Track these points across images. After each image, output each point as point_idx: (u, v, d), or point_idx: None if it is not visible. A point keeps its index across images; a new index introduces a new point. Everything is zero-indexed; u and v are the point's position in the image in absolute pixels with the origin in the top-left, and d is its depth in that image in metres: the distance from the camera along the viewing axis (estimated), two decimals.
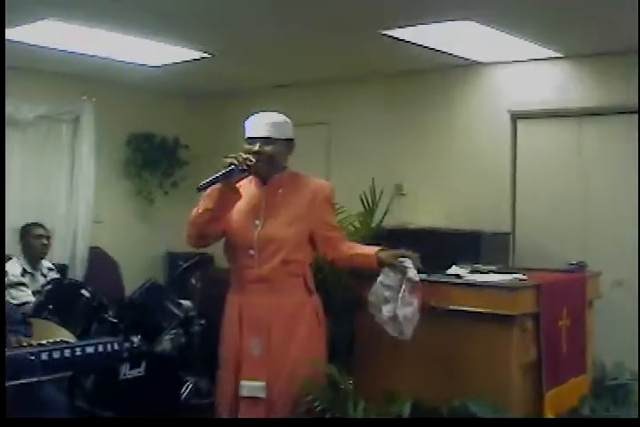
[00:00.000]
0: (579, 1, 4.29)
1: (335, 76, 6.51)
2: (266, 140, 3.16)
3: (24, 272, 5.11)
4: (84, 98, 6.63)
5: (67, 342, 3.44)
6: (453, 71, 6.05)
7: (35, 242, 5.29)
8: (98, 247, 6.71)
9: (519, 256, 5.72)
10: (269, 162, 3.18)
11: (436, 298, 3.88)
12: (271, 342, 3.14)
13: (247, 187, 3.27)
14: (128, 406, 4.04)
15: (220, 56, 5.76)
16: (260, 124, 3.20)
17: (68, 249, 6.62)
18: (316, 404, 3.18)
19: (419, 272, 3.38)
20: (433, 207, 6.07)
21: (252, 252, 3.16)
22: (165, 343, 4.61)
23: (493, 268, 4.24)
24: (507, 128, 5.90)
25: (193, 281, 5.58)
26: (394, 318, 3.21)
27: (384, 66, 6.10)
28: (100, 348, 3.46)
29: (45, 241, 5.35)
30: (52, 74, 6.39)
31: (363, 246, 3.39)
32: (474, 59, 5.77)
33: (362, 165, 6.39)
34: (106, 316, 4.49)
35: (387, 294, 3.23)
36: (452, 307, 3.79)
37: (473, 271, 4.08)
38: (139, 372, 4.34)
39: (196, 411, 4.57)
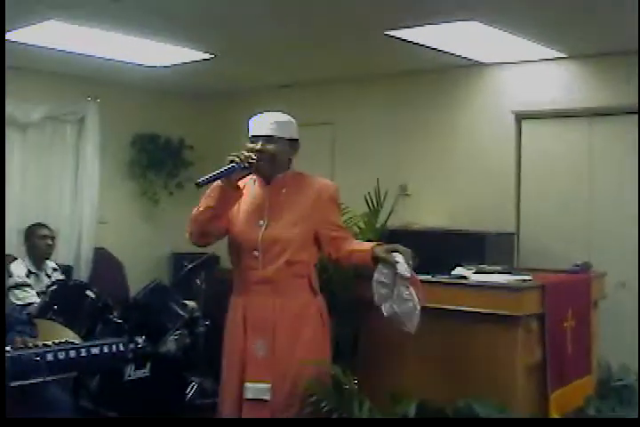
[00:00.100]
0: (582, 1, 4.29)
1: (339, 77, 6.51)
2: (268, 138, 3.15)
3: (29, 273, 5.12)
4: (89, 99, 6.65)
5: (72, 343, 3.45)
6: (457, 71, 6.04)
7: (39, 242, 5.29)
8: (103, 248, 6.72)
9: (524, 257, 5.72)
10: (272, 161, 3.17)
11: (442, 299, 3.88)
12: (276, 344, 3.12)
13: (251, 187, 3.26)
14: (133, 407, 4.05)
15: (224, 57, 5.76)
16: (264, 122, 3.19)
17: (73, 250, 6.63)
18: (323, 404, 3.18)
19: (420, 270, 3.35)
20: (437, 208, 6.07)
21: (256, 253, 3.15)
22: (170, 344, 4.60)
23: (498, 268, 4.24)
24: (511, 128, 5.90)
25: (198, 282, 5.58)
26: (395, 315, 3.16)
27: (388, 66, 6.10)
28: (105, 349, 3.46)
29: (50, 242, 5.36)
30: (56, 75, 6.40)
31: (363, 243, 3.35)
32: (477, 59, 5.77)
33: (366, 165, 6.39)
34: (111, 317, 4.49)
35: (383, 291, 3.16)
36: (457, 308, 3.79)
37: (478, 272, 4.08)
38: (144, 373, 4.34)
39: (201, 411, 4.56)
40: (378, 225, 5.36)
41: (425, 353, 3.86)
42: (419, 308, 3.15)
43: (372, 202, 5.38)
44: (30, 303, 4.79)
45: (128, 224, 7.15)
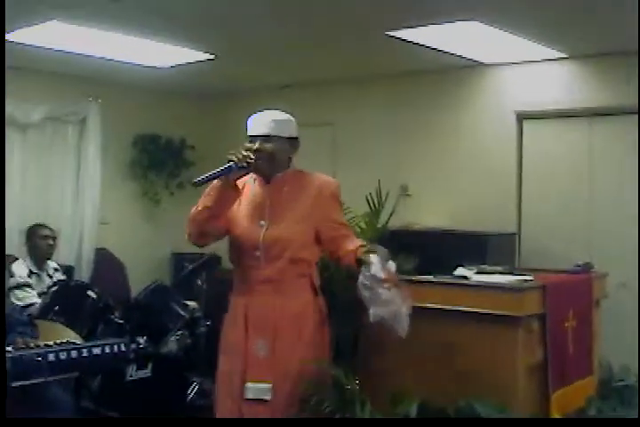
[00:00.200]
0: (582, 1, 4.29)
1: (339, 77, 6.51)
2: (266, 138, 3.12)
3: (30, 273, 5.12)
4: (90, 99, 6.65)
5: (73, 343, 3.46)
6: (458, 72, 6.04)
7: (41, 243, 5.30)
8: (104, 248, 6.72)
9: (525, 257, 5.72)
10: (270, 160, 3.14)
11: (443, 299, 3.88)
12: (277, 344, 3.10)
13: (251, 186, 3.23)
14: (134, 407, 4.05)
15: (225, 57, 5.76)
16: (262, 121, 3.16)
17: (74, 250, 6.63)
18: (325, 405, 3.17)
19: (421, 270, 3.32)
20: (438, 208, 6.07)
21: (257, 253, 3.12)
22: (171, 344, 4.61)
23: (499, 269, 4.24)
24: (512, 129, 5.90)
25: (199, 282, 5.58)
26: (382, 319, 3.04)
27: (388, 66, 6.10)
28: (107, 349, 3.47)
29: (51, 242, 5.37)
30: (57, 75, 6.40)
31: (356, 243, 3.19)
32: (478, 59, 5.77)
33: (367, 165, 6.39)
34: (112, 317, 4.50)
35: (366, 294, 3.02)
36: (458, 308, 3.79)
37: (479, 272, 4.08)
38: (145, 373, 4.35)
39: (202, 412, 4.56)
40: (379, 225, 5.36)
41: (426, 353, 3.86)
42: (404, 310, 3.02)
43: (373, 202, 5.38)
44: (31, 304, 4.80)
45: (129, 224, 7.15)
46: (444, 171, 6.15)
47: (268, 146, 3.11)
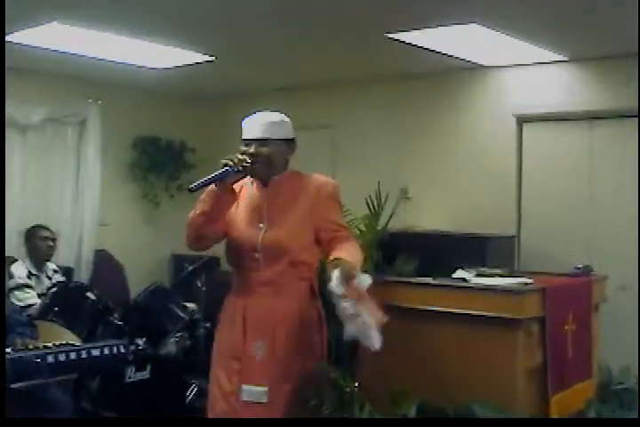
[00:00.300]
0: (582, 4, 4.29)
1: (340, 79, 6.52)
2: (262, 141, 3.08)
3: (30, 275, 5.12)
4: (90, 100, 6.65)
5: (72, 345, 3.45)
6: (458, 74, 6.05)
7: (40, 244, 5.30)
8: (103, 250, 6.72)
9: (525, 260, 5.72)
10: (267, 163, 3.10)
11: (442, 302, 3.88)
12: (275, 346, 3.08)
13: (249, 188, 3.21)
14: (133, 409, 4.04)
15: (225, 59, 5.77)
16: (256, 124, 3.12)
17: (74, 252, 6.64)
18: (323, 408, 3.16)
19: (421, 273, 3.30)
20: (438, 210, 6.07)
21: (256, 255, 3.09)
22: (171, 346, 4.61)
23: (499, 271, 4.24)
24: (512, 131, 5.91)
25: (198, 284, 5.58)
26: (354, 335, 2.94)
27: (389, 69, 6.11)
28: (106, 350, 3.47)
29: (51, 243, 5.37)
30: (57, 76, 6.41)
31: (343, 250, 3.08)
32: (479, 62, 5.77)
33: (367, 168, 6.40)
34: (111, 318, 4.49)
35: (337, 311, 2.94)
36: (457, 310, 3.79)
37: (479, 275, 4.08)
38: (144, 374, 4.34)
39: (201, 413, 4.56)
40: (379, 228, 5.37)
41: (425, 356, 3.86)
42: (370, 322, 2.91)
43: (372, 205, 5.39)
44: (31, 305, 4.80)
45: (129, 226, 7.15)
46: (444, 173, 6.16)
47: (265, 149, 3.08)
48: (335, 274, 2.85)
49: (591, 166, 5.60)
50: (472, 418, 3.35)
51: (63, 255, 6.34)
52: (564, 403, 3.92)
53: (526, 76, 5.84)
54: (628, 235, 5.32)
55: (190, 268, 5.62)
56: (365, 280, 2.97)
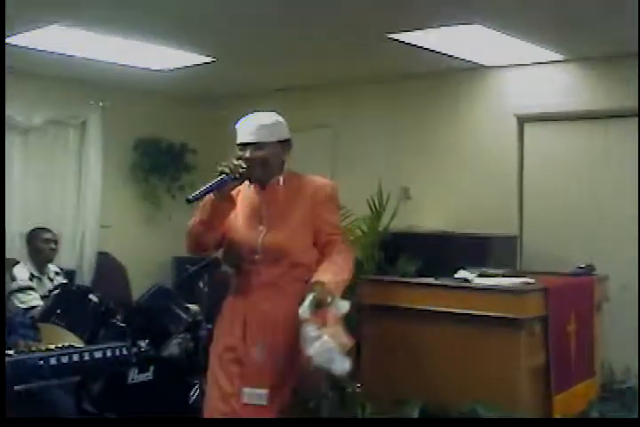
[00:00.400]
0: (584, 4, 4.29)
1: (340, 79, 6.51)
2: (257, 144, 3.03)
3: (32, 277, 5.12)
4: (92, 102, 6.66)
5: (75, 347, 3.46)
6: (459, 74, 6.05)
7: (42, 246, 5.29)
8: (105, 252, 6.72)
9: (527, 259, 5.72)
10: (264, 167, 3.05)
11: (445, 302, 3.88)
12: (275, 348, 3.04)
13: (246, 192, 3.16)
14: (136, 411, 4.04)
15: (226, 60, 5.77)
16: (250, 128, 3.06)
17: (76, 254, 6.64)
18: (322, 408, 3.16)
19: (423, 273, 3.29)
20: (440, 211, 6.07)
21: (256, 257, 3.07)
22: (173, 348, 4.60)
23: (501, 271, 4.24)
24: (513, 131, 5.90)
25: (200, 285, 5.57)
26: (316, 363, 2.84)
27: (389, 69, 6.10)
28: (109, 353, 3.47)
29: (53, 245, 5.36)
30: (58, 79, 6.41)
31: (327, 272, 3.04)
32: (480, 62, 5.77)
33: (368, 168, 6.39)
34: (114, 320, 4.49)
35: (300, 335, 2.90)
36: (460, 311, 3.79)
37: (481, 275, 4.08)
38: (147, 376, 4.33)
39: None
40: (380, 228, 5.37)
41: (428, 356, 3.86)
42: (331, 345, 2.81)
43: (374, 205, 5.39)
44: (33, 307, 4.80)
45: (131, 228, 7.15)
46: (446, 173, 6.15)
47: (260, 153, 3.03)
48: (308, 299, 2.85)
49: (592, 166, 5.59)
50: (475, 418, 3.35)
51: (65, 257, 6.34)
52: (566, 402, 3.93)
53: (527, 76, 5.83)
54: (630, 234, 5.31)
55: (192, 269, 5.61)
56: (344, 307, 2.95)
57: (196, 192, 2.90)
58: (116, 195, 7.04)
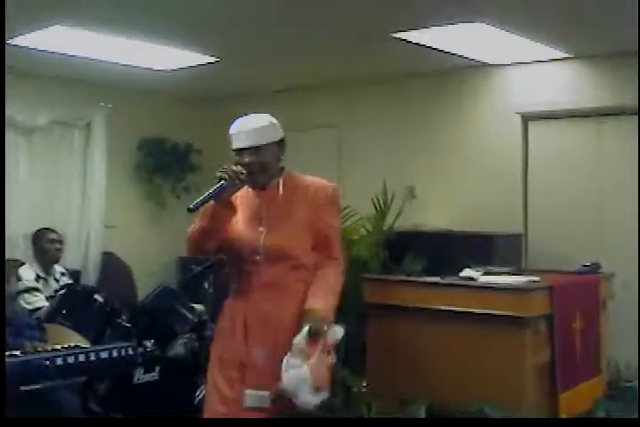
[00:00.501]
0: (587, 2, 4.29)
1: (344, 79, 6.51)
2: (254, 149, 2.99)
3: (37, 277, 5.12)
4: (102, 104, 6.67)
5: (81, 347, 3.46)
6: (463, 73, 6.05)
7: (48, 246, 5.29)
8: (110, 253, 6.72)
9: (532, 258, 5.71)
10: (263, 170, 3.02)
11: (450, 300, 3.88)
12: (277, 350, 2.98)
13: (246, 193, 3.11)
14: (142, 411, 4.04)
15: (229, 60, 5.77)
16: (244, 133, 3.02)
17: (81, 254, 6.65)
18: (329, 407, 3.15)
19: (428, 272, 3.28)
20: (445, 209, 6.07)
21: (257, 258, 3.04)
22: (179, 348, 4.59)
23: (506, 270, 4.24)
24: (518, 129, 5.90)
25: (205, 285, 5.57)
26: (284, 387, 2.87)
27: (393, 68, 6.10)
28: (114, 353, 3.47)
29: (58, 245, 5.36)
30: (63, 79, 6.42)
31: (318, 297, 3.03)
32: (484, 60, 5.77)
33: (372, 167, 6.39)
34: (119, 321, 4.48)
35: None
36: (465, 309, 3.79)
37: (486, 273, 4.08)
38: (152, 376, 4.33)
39: None
40: (385, 227, 5.37)
41: (434, 354, 3.86)
42: (306, 376, 2.82)
43: (379, 204, 5.39)
44: (39, 308, 4.80)
45: (135, 228, 7.16)
46: (450, 172, 6.15)
47: (259, 157, 3.00)
48: (304, 329, 2.86)
49: (597, 163, 5.59)
50: (480, 418, 3.35)
51: (70, 258, 6.35)
52: (572, 401, 3.92)
53: (531, 73, 5.83)
54: (635, 232, 5.30)
55: (197, 269, 5.61)
56: (338, 333, 2.96)
57: (197, 201, 2.87)
58: (121, 195, 7.05)
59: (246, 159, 2.98)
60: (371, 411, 3.46)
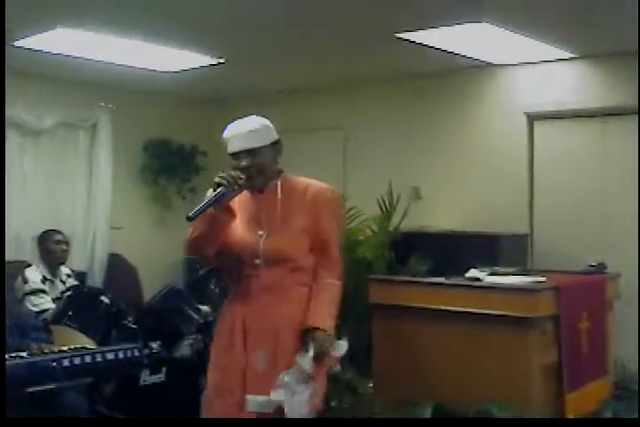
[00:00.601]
0: (592, 1, 4.28)
1: (349, 80, 6.51)
2: (250, 151, 2.98)
3: (44, 279, 5.13)
4: (103, 104, 6.68)
5: (87, 349, 3.47)
6: (468, 73, 6.04)
7: (54, 248, 5.30)
8: (116, 254, 6.73)
9: (538, 258, 5.70)
10: (261, 173, 3.00)
11: (456, 301, 3.88)
12: (279, 354, 2.96)
13: (243, 197, 3.07)
14: (148, 412, 4.05)
15: (235, 61, 5.77)
16: (239, 136, 3.01)
17: (87, 256, 6.66)
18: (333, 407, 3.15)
19: (434, 273, 3.27)
20: (450, 210, 6.06)
21: (257, 261, 3.00)
22: (185, 349, 4.60)
23: (512, 270, 4.24)
24: (523, 129, 5.89)
25: (211, 286, 5.58)
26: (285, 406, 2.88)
27: (398, 68, 6.09)
28: (121, 354, 3.47)
29: (65, 247, 5.37)
30: (68, 81, 6.42)
31: (319, 312, 3.02)
32: (489, 60, 5.76)
33: (378, 168, 6.38)
34: (125, 322, 4.50)
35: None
36: (471, 310, 3.78)
37: (492, 274, 4.08)
38: (159, 378, 4.34)
39: None
40: (391, 228, 5.37)
41: (440, 355, 3.86)
42: (312, 407, 2.87)
43: (384, 205, 5.39)
44: (46, 310, 4.81)
45: (141, 229, 7.17)
46: (456, 172, 6.15)
47: (255, 160, 2.98)
48: (310, 351, 2.85)
49: (602, 163, 5.58)
50: (487, 418, 3.35)
51: (76, 259, 6.35)
52: (579, 401, 3.92)
53: (536, 73, 5.82)
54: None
55: (203, 270, 5.62)
56: (342, 348, 2.97)
57: (196, 209, 2.84)
58: (127, 196, 7.06)
59: (242, 163, 2.97)
60: (377, 411, 3.45)
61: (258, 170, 2.99)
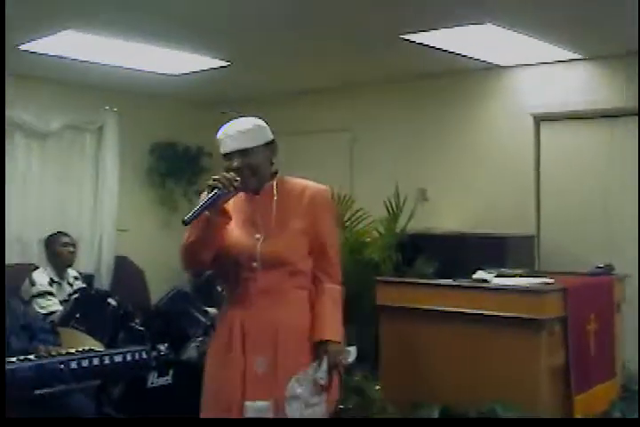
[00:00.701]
0: (598, 1, 4.27)
1: (356, 82, 6.51)
2: (243, 152, 2.95)
3: (51, 282, 5.14)
4: (107, 108, 6.69)
5: (95, 351, 3.47)
6: (475, 74, 6.03)
7: (62, 250, 5.32)
8: (123, 256, 6.74)
9: (545, 259, 5.69)
10: (255, 174, 2.96)
11: (463, 303, 3.87)
12: (279, 359, 2.91)
13: (238, 198, 3.02)
14: (156, 414, 4.05)
15: (241, 63, 5.78)
16: (232, 137, 3.00)
17: (94, 258, 6.67)
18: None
19: (441, 275, 3.27)
20: (457, 211, 6.05)
21: (254, 264, 2.94)
22: (192, 351, 4.61)
23: (519, 272, 4.23)
24: (530, 131, 5.88)
25: (218, 288, 5.58)
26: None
27: (404, 70, 6.09)
28: (128, 356, 3.48)
29: (72, 249, 5.38)
30: (74, 84, 6.44)
31: (327, 304, 3.00)
32: (495, 62, 5.76)
33: (385, 170, 6.38)
34: (133, 324, 4.50)
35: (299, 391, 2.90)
36: (478, 311, 3.78)
37: (499, 276, 4.07)
38: (166, 380, 4.34)
39: None
40: (398, 230, 5.37)
41: (448, 357, 3.86)
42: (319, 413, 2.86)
43: (391, 206, 5.39)
44: (53, 312, 4.82)
45: (148, 232, 7.17)
46: (462, 174, 6.14)
47: (249, 160, 2.95)
48: (324, 367, 2.83)
49: (609, 164, 5.56)
50: (494, 418, 3.34)
51: (83, 262, 6.37)
52: (587, 403, 3.91)
53: (542, 74, 5.81)
54: None
55: (209, 272, 5.62)
56: (352, 355, 2.99)
57: (191, 213, 2.81)
58: (133, 199, 7.07)
59: (235, 163, 2.93)
60: (384, 412, 3.45)
61: (251, 171, 2.95)
